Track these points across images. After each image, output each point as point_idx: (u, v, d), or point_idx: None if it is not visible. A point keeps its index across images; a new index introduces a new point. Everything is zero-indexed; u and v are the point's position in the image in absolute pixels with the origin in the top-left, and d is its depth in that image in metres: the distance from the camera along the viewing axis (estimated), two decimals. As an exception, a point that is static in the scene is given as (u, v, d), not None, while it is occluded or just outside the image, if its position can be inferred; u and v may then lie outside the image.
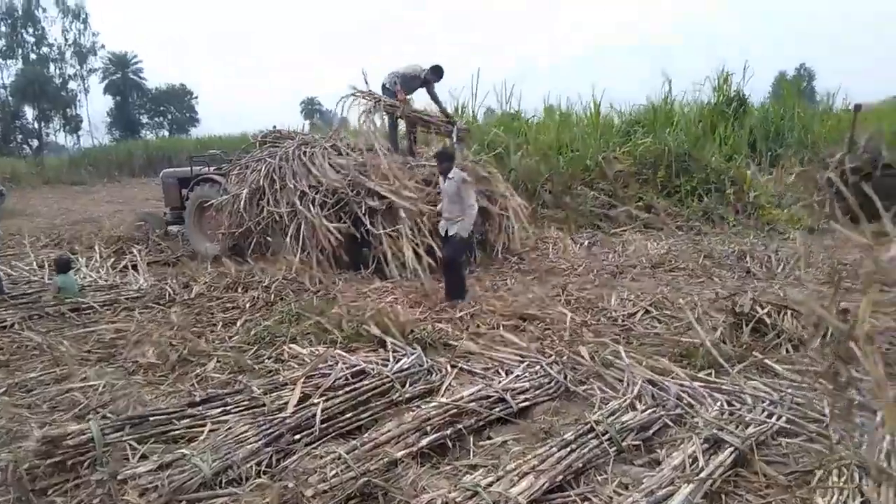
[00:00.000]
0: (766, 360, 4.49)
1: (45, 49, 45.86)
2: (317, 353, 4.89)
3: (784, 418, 3.60)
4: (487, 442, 3.62)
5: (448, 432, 3.57)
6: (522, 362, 4.60)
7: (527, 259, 8.54)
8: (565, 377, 4.32)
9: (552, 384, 4.24)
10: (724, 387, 4.06)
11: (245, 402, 3.92)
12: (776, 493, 2.91)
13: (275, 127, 10.39)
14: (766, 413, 3.67)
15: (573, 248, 9.06)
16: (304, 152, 8.26)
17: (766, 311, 5.23)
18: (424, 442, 3.43)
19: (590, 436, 3.42)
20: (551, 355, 4.69)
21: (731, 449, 3.23)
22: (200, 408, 3.83)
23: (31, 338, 5.50)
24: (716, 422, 3.50)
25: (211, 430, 3.54)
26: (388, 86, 8.90)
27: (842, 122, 15.97)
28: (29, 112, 45.42)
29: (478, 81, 14.26)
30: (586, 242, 9.43)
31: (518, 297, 6.39)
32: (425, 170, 8.09)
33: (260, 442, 3.38)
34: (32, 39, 45.43)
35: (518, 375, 4.31)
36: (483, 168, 8.90)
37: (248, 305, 6.40)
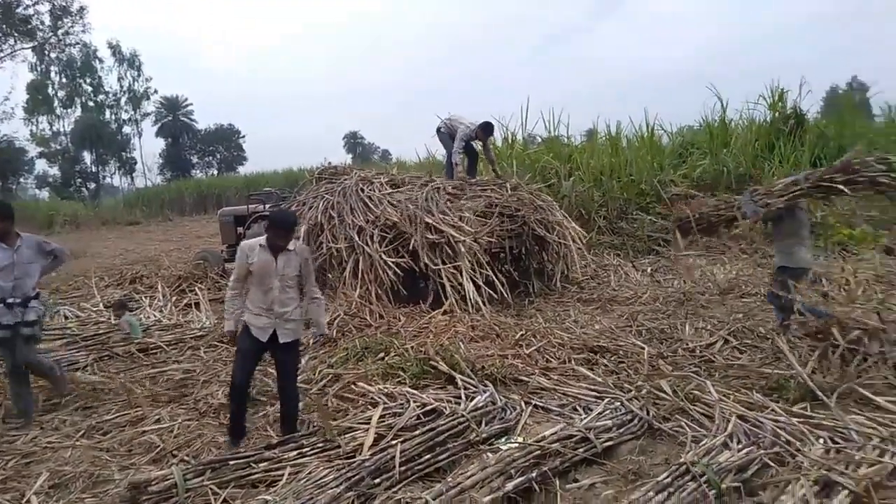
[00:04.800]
0: (866, 392, 4.19)
1: (101, 96, 48.23)
2: (385, 390, 4.81)
3: (899, 457, 3.32)
4: (574, 485, 3.45)
5: (533, 475, 3.42)
6: (600, 398, 4.42)
7: (587, 288, 8.33)
8: (648, 413, 4.12)
9: (635, 421, 4.05)
10: (824, 422, 3.79)
11: (320, 444, 3.86)
12: (907, 543, 2.65)
13: (329, 163, 10.54)
14: (877, 451, 3.39)
15: (635, 276, 8.81)
16: (362, 188, 8.32)
17: (854, 335, 4.93)
18: (510, 486, 3.29)
19: (686, 478, 3.22)
20: (630, 390, 4.49)
21: (846, 492, 2.99)
22: (277, 450, 3.78)
23: (104, 380, 5.58)
24: (823, 461, 3.25)
25: (290, 474, 3.48)
26: (443, 130, 9.07)
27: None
28: (87, 156, 47.60)
29: (527, 110, 14.26)
30: (648, 269, 9.17)
31: (585, 328, 6.20)
32: (482, 201, 8.03)
33: (341, 486, 3.29)
34: (90, 88, 47.87)
35: (599, 413, 4.13)
36: (538, 196, 8.80)
37: (310, 342, 6.35)
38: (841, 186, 5.48)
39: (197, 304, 8.55)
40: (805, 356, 4.84)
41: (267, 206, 10.23)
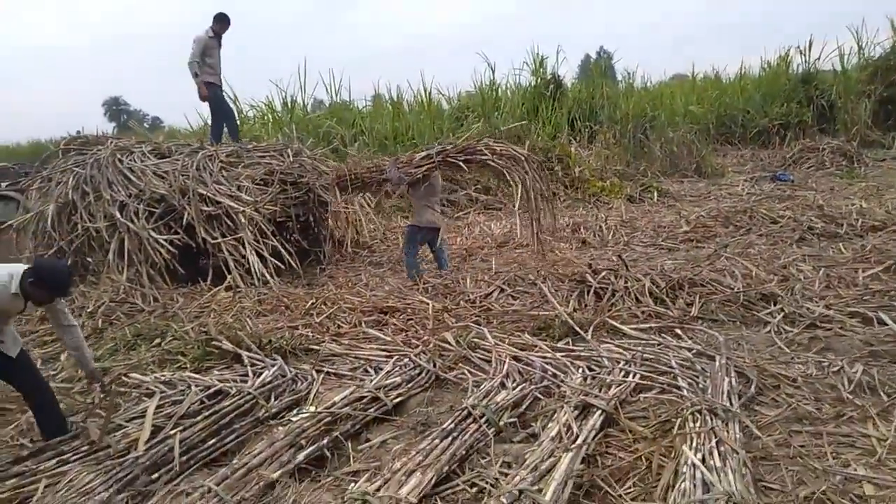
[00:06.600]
0: (613, 322, 4.82)
1: None
2: (162, 378, 4.43)
3: (638, 375, 3.89)
4: (366, 445, 3.51)
5: (324, 442, 3.41)
6: (390, 357, 4.53)
7: (377, 251, 8.44)
8: (434, 365, 4.31)
9: (423, 375, 4.21)
10: (582, 353, 4.29)
11: (84, 448, 3.45)
12: (644, 446, 3.11)
13: (80, 132, 9.27)
14: (623, 373, 3.93)
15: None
16: (120, 159, 7.43)
17: (602, 275, 5.65)
18: (300, 457, 3.24)
19: (468, 421, 3.43)
20: (418, 346, 4.66)
21: (599, 412, 3.41)
22: (29, 462, 3.31)
23: None
24: (581, 388, 3.68)
25: (47, 487, 3.06)
26: (190, 69, 8.53)
27: (643, 98, 17.71)
28: None
29: (305, 72, 13.85)
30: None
31: (375, 290, 6.29)
32: (261, 168, 7.65)
33: (111, 489, 2.98)
34: None
35: (388, 371, 4.23)
36: (322, 162, 8.64)
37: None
38: (461, 164, 6.55)
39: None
40: (567, 297, 5.42)
41: (4, 184, 8.80)
